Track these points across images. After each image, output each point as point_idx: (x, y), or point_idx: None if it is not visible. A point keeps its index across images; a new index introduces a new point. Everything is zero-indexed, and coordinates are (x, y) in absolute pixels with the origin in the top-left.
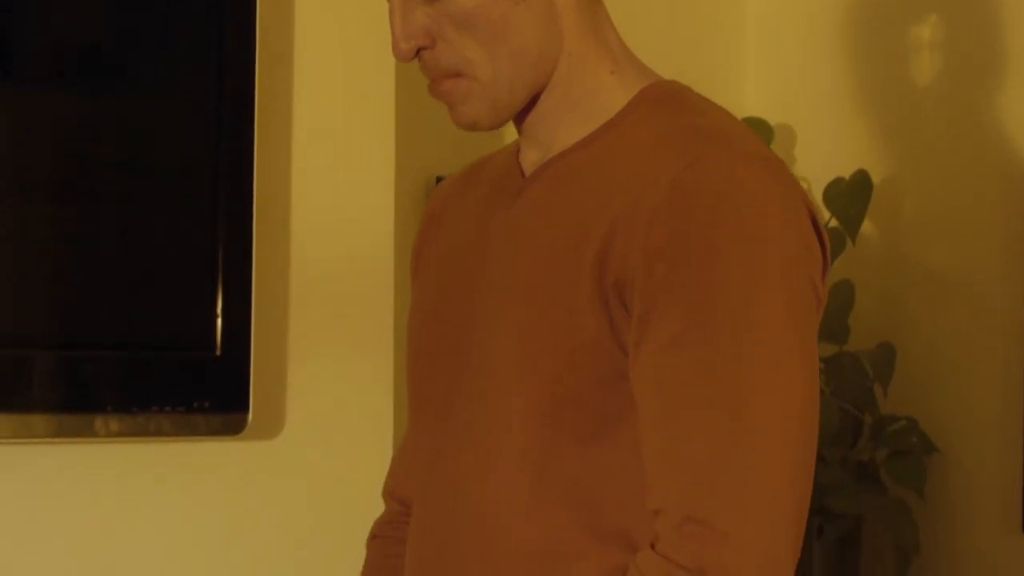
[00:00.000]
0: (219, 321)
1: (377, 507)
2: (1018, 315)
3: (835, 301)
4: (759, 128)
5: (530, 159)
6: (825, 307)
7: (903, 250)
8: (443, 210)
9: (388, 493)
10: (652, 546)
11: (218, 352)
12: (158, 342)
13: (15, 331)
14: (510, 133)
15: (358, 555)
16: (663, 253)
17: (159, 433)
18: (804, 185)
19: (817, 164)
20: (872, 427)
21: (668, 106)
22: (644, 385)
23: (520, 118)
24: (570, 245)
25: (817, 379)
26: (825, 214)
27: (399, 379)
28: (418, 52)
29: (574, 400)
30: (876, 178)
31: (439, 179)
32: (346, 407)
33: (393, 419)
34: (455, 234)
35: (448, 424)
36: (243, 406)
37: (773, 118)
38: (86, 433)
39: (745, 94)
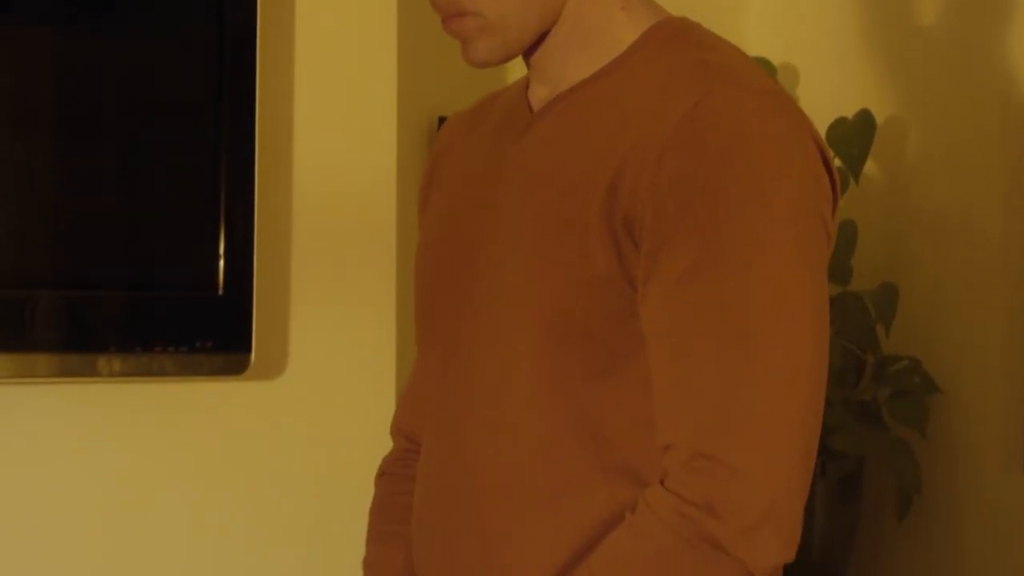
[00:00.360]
0: (221, 261)
1: (379, 446)
2: (1021, 255)
3: (838, 241)
4: (762, 68)
5: (539, 95)
6: (829, 258)
7: (906, 190)
8: (451, 146)
9: (396, 430)
10: (661, 482)
11: (220, 292)
12: (161, 282)
13: (18, 271)
14: (513, 73)
15: (362, 493)
16: (673, 189)
17: (162, 373)
18: None
19: (820, 104)
20: (874, 367)
21: (678, 42)
22: (653, 321)
23: (529, 54)
24: (579, 180)
25: (827, 314)
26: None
27: (401, 318)
28: None
29: (583, 335)
30: (879, 118)
31: (441, 119)
32: (349, 347)
33: (396, 358)
34: (463, 169)
35: (456, 359)
36: (245, 346)
37: (776, 58)
38: (89, 373)
39: (748, 33)
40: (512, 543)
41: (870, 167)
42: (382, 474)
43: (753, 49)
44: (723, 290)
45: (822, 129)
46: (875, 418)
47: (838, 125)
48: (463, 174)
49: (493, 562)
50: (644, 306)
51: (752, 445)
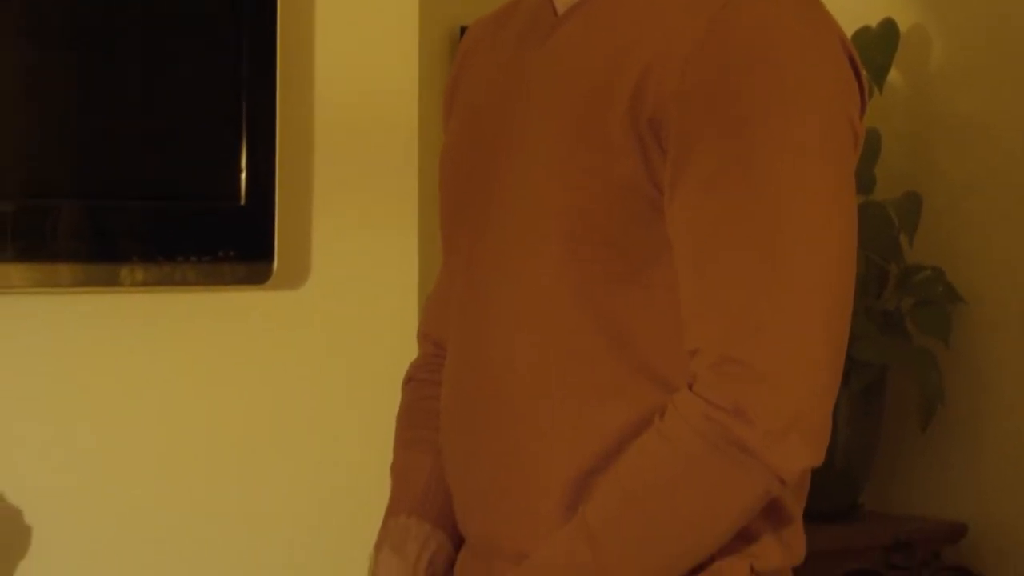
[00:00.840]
0: (244, 170)
1: (402, 353)
2: None
3: (861, 150)
4: None
5: None
6: (857, 161)
7: (930, 98)
8: (474, 52)
9: (422, 335)
10: (689, 386)
11: (243, 201)
12: (183, 192)
13: (41, 181)
14: None
15: (386, 399)
16: (699, 92)
17: (184, 283)
18: None
19: (844, 13)
20: (898, 277)
21: None
22: (680, 226)
23: None
24: (604, 83)
25: (855, 217)
26: None
27: (423, 226)
28: None
29: (608, 239)
30: (903, 26)
31: (463, 28)
32: (371, 255)
33: (418, 266)
34: (486, 74)
35: (480, 263)
36: (268, 255)
37: None
38: (112, 283)
39: None
40: (537, 446)
41: (893, 76)
42: (409, 379)
43: None
44: (750, 194)
45: None
46: (898, 327)
47: (862, 34)
48: (487, 79)
49: (518, 465)
50: (670, 211)
51: (780, 349)
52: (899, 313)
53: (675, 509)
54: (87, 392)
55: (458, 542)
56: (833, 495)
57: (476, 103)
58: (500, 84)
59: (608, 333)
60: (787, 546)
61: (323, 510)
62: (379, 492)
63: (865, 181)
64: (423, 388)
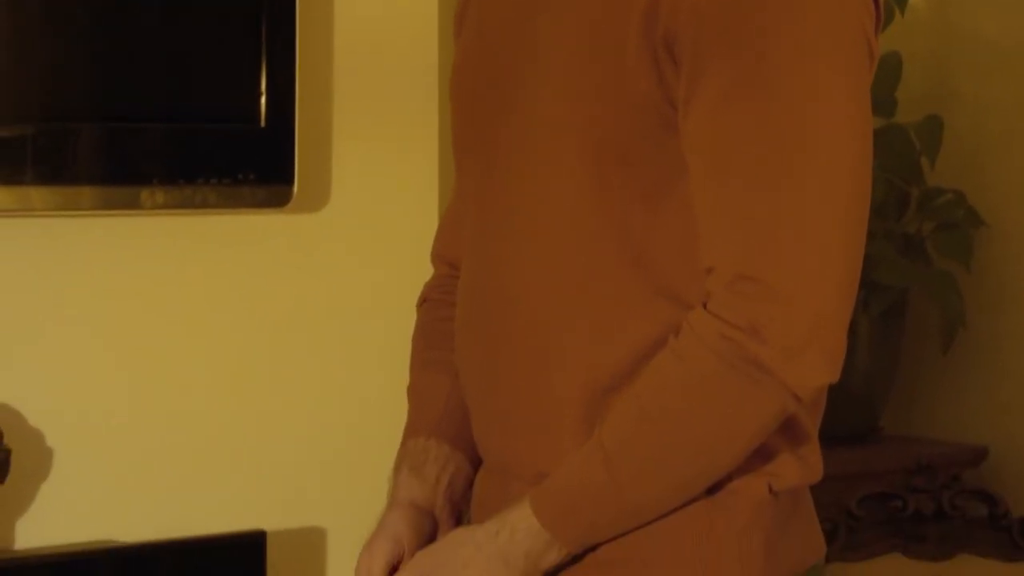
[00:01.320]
0: (263, 92)
1: (422, 276)
2: None
3: (882, 73)
4: None
5: None
6: (872, 79)
7: (952, 20)
8: None
9: (436, 256)
10: (704, 305)
11: (263, 124)
12: (203, 114)
13: (60, 104)
14: None
15: (406, 323)
16: (713, 7)
17: (205, 205)
18: None
19: None
20: (919, 200)
21: None
22: (695, 143)
23: None
24: None
25: (870, 135)
26: None
27: (444, 149)
28: None
29: (623, 157)
30: None
31: None
32: (391, 178)
33: (438, 189)
34: None
35: (494, 181)
36: (288, 178)
37: None
38: (132, 206)
39: None
40: (553, 365)
41: None
42: (424, 300)
43: None
44: (764, 110)
45: None
46: (919, 251)
47: None
48: None
49: (534, 385)
50: (685, 127)
51: (795, 266)
52: (920, 236)
53: (691, 428)
54: (108, 315)
55: (476, 463)
56: (853, 419)
57: (487, 19)
58: (512, 1)
59: (624, 251)
60: (805, 464)
61: (342, 433)
62: (398, 414)
63: (886, 104)
64: (438, 309)
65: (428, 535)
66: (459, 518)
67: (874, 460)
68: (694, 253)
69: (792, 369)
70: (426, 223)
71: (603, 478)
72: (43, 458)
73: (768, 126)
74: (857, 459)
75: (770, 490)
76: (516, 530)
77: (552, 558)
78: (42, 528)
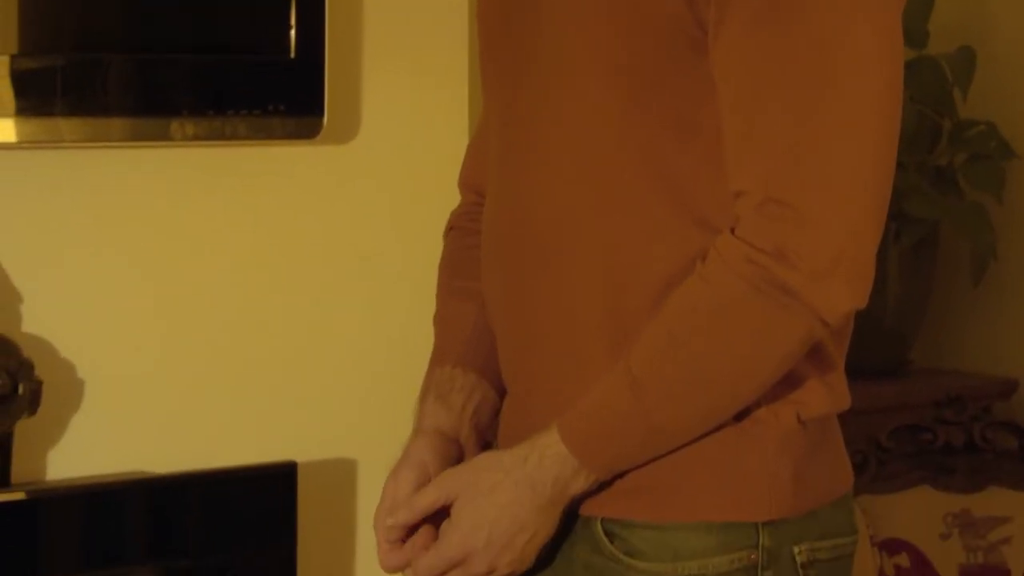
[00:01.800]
0: (293, 23)
1: (452, 206)
2: None
3: (914, 4)
4: None
5: None
6: (904, 8)
7: None
8: None
9: (463, 184)
10: (732, 230)
11: (292, 54)
12: (233, 45)
13: (90, 34)
14: None
15: (433, 252)
16: None
17: (235, 137)
18: None
19: None
20: (951, 132)
21: None
22: (724, 66)
23: None
24: None
25: (901, 63)
26: None
27: (473, 78)
28: None
29: (652, 80)
30: None
31: None
32: (421, 109)
33: (468, 119)
34: None
35: (520, 108)
36: (318, 109)
37: None
38: (162, 137)
39: None
40: (580, 292)
41: None
42: (450, 228)
43: None
44: (795, 34)
45: None
46: (951, 183)
47: None
48: None
49: (560, 311)
50: (715, 50)
51: (823, 190)
52: (952, 168)
53: (718, 353)
54: (137, 247)
55: (502, 392)
56: (883, 351)
57: None
58: None
59: (651, 176)
60: (832, 392)
61: (372, 364)
62: (427, 344)
63: (918, 35)
64: (465, 237)
65: (454, 463)
66: (485, 447)
67: (904, 393)
68: (722, 178)
69: (819, 293)
70: (455, 153)
71: (630, 404)
72: (74, 389)
73: (799, 51)
74: (887, 392)
75: (798, 419)
76: (544, 456)
77: (580, 484)
78: (74, 459)
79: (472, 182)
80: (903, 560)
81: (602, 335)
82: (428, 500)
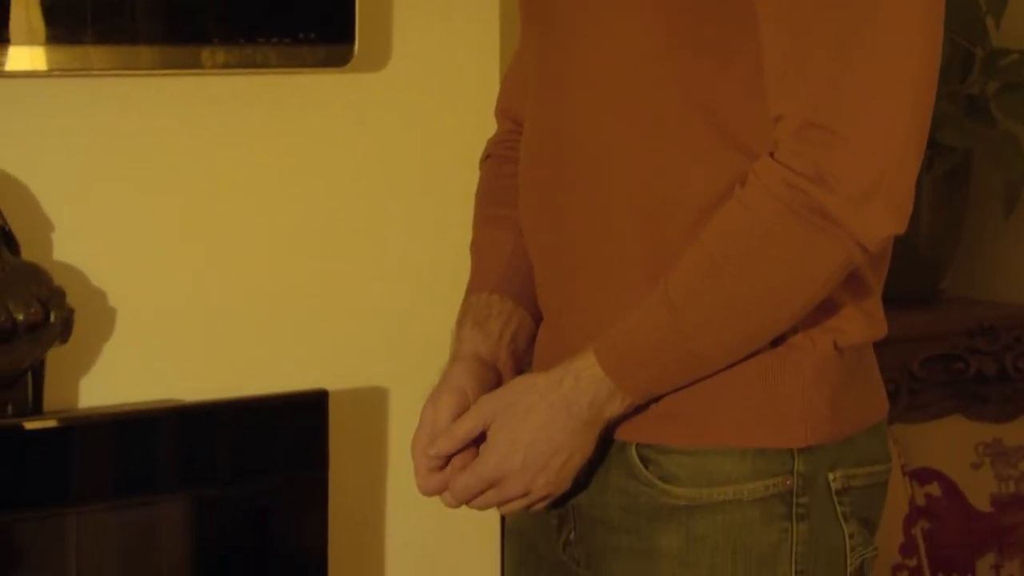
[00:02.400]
0: None
1: (483, 135)
2: None
3: None
4: None
5: None
6: None
7: None
8: None
9: (500, 112)
10: (771, 154)
11: None
12: None
13: None
14: None
15: (468, 182)
16: None
17: (265, 65)
18: None
19: None
20: (983, 60)
21: None
22: None
23: None
24: None
25: None
26: None
27: (505, 6)
28: None
29: (690, 5)
30: None
31: None
32: (452, 36)
33: (499, 46)
34: None
35: (557, 34)
36: (348, 37)
37: None
38: (192, 65)
39: None
40: (618, 217)
41: None
42: (487, 156)
43: None
44: None
45: None
46: (983, 112)
47: None
48: None
49: (598, 237)
50: None
51: (864, 115)
52: (984, 97)
53: (756, 277)
54: (167, 175)
55: (539, 319)
56: (915, 280)
57: None
58: None
59: (690, 100)
60: (869, 319)
61: (404, 293)
62: (460, 274)
63: None
64: (502, 165)
65: (492, 388)
66: (522, 373)
67: (936, 322)
68: (762, 104)
69: (858, 218)
70: (487, 80)
71: (668, 327)
72: (106, 318)
73: None
74: (919, 321)
75: (835, 346)
76: (580, 378)
77: (615, 407)
78: (105, 387)
79: (509, 110)
80: (934, 489)
81: (640, 261)
82: (467, 428)
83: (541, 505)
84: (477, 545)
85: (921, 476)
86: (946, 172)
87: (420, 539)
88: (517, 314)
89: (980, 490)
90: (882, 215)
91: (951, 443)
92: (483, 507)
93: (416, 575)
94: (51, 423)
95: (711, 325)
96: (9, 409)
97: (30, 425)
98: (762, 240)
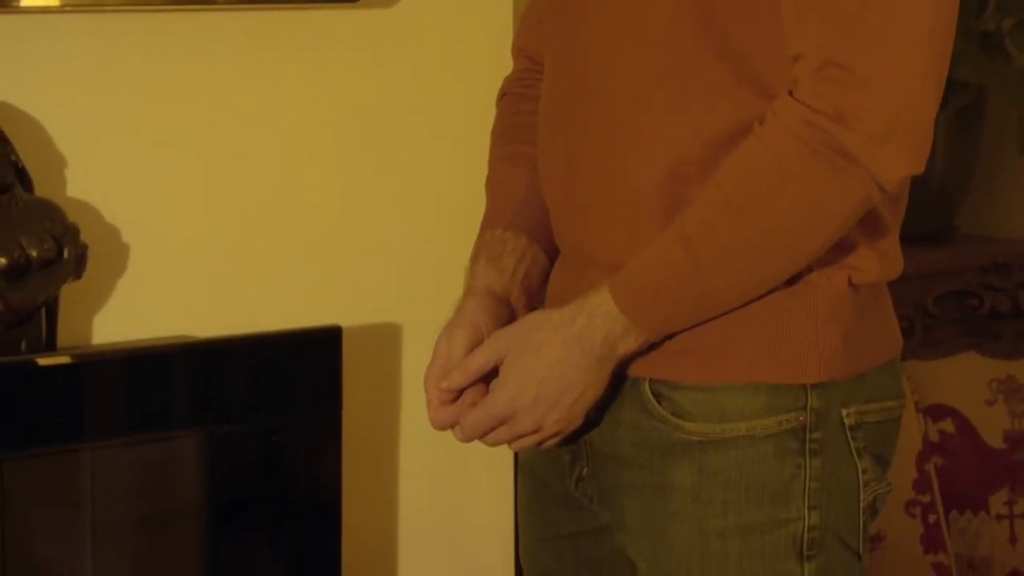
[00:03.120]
0: None
1: (496, 72)
2: None
3: None
4: None
5: None
6: None
7: None
8: None
9: (517, 50)
10: (790, 93)
11: None
12: None
13: None
14: None
15: (481, 117)
16: None
17: (277, 0)
18: None
19: None
20: None
21: None
22: None
23: None
24: None
25: None
26: None
27: None
28: None
29: None
30: None
31: None
32: None
33: None
34: None
35: None
36: None
37: None
38: (204, 1)
39: None
40: (635, 154)
41: None
42: (503, 94)
43: None
44: None
45: None
46: (998, 48)
47: None
48: None
49: (616, 174)
50: None
51: (884, 54)
52: (999, 33)
53: (774, 215)
54: (179, 112)
55: (553, 256)
56: (929, 217)
57: None
58: None
59: (709, 38)
60: (884, 258)
61: (417, 230)
62: (474, 210)
63: None
64: (518, 103)
65: (505, 323)
66: (534, 309)
67: (950, 259)
68: (780, 44)
69: (877, 157)
70: (500, 17)
71: (684, 264)
72: (120, 254)
73: None
74: (934, 258)
75: (850, 283)
76: (594, 315)
77: (629, 344)
78: (119, 323)
79: (526, 49)
80: (948, 426)
81: (655, 198)
82: (480, 362)
83: (552, 442)
84: (490, 480)
85: (935, 412)
86: (960, 109)
87: (433, 474)
88: (531, 251)
89: (993, 426)
90: (901, 155)
91: (965, 380)
92: (494, 443)
93: (430, 510)
94: (65, 359)
95: (727, 263)
96: (23, 345)
97: (44, 361)
98: (781, 178)
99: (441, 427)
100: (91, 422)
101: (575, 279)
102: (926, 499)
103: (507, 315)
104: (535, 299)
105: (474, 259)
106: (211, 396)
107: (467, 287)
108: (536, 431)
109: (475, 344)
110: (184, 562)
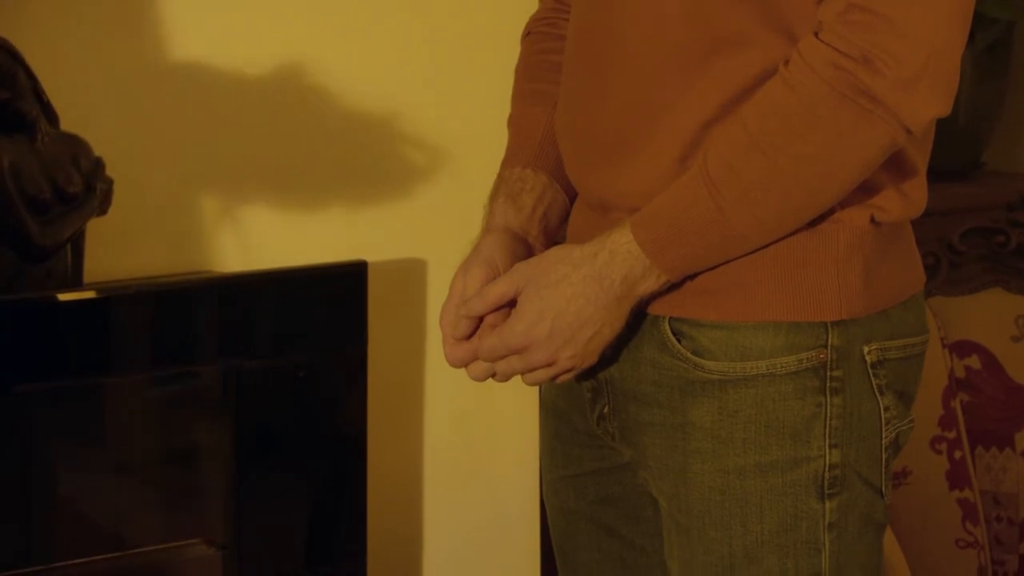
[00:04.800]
0: None
1: (522, 11)
2: None
3: None
4: None
5: None
6: None
7: None
8: None
9: None
10: (815, 35)
11: None
12: None
13: None
14: None
15: (506, 57)
16: None
17: None
18: None
19: None
20: None
21: None
22: None
23: None
24: None
25: None
26: None
27: None
28: None
29: None
30: None
31: None
32: None
33: None
34: None
35: None
36: None
37: None
38: None
39: None
40: (660, 97)
41: None
42: (528, 33)
43: None
44: None
45: None
46: None
47: None
48: None
49: (640, 118)
50: None
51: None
52: None
53: (798, 156)
54: (204, 44)
55: (573, 195)
56: (956, 154)
57: None
58: None
59: None
60: (907, 198)
61: (443, 165)
62: (498, 147)
63: None
64: (542, 41)
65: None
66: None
67: (977, 195)
68: None
69: (904, 100)
70: None
71: (706, 204)
72: (145, 188)
73: None
74: (960, 194)
75: (872, 221)
76: (615, 253)
77: (649, 284)
78: (145, 258)
79: None
80: (974, 362)
81: (680, 142)
82: (499, 291)
83: (566, 377)
84: (516, 416)
85: (960, 349)
86: (987, 45)
87: (459, 410)
88: (551, 189)
89: (1020, 363)
90: (928, 97)
91: (991, 316)
92: (507, 373)
93: (454, 446)
94: (91, 294)
95: (750, 203)
96: (49, 280)
97: (70, 296)
98: (806, 121)
99: (456, 364)
100: (117, 357)
101: (595, 219)
102: (952, 436)
103: (524, 253)
104: (553, 238)
105: (493, 196)
106: (236, 331)
107: (485, 224)
108: (549, 365)
109: (491, 281)
110: (209, 498)
